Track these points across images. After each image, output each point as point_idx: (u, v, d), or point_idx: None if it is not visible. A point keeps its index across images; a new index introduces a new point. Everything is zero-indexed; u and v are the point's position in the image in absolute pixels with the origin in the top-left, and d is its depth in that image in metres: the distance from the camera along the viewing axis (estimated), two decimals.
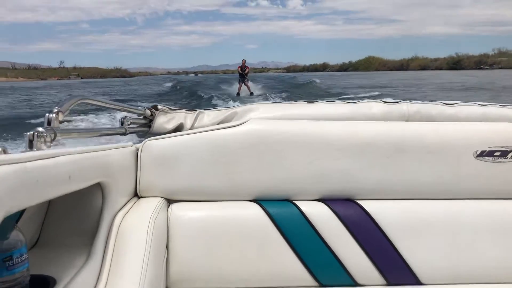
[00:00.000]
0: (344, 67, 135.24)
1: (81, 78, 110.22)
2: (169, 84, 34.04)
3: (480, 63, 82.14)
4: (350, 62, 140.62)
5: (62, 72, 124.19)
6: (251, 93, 19.55)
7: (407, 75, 56.31)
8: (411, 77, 44.39)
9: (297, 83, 30.02)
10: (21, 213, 0.96)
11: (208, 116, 1.63)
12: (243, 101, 15.02)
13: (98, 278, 0.97)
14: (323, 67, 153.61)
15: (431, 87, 25.00)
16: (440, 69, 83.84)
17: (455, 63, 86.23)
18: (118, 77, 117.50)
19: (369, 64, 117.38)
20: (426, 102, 1.56)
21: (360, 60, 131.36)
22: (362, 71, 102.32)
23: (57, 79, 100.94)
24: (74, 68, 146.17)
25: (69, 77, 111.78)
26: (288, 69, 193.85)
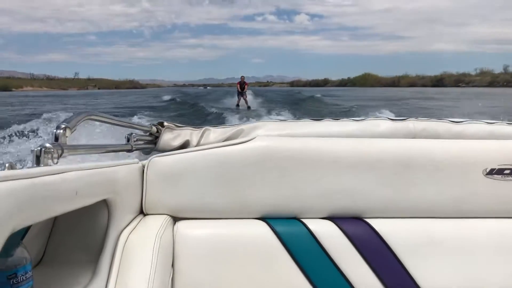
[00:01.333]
0: (343, 83, 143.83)
1: (98, 88, 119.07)
2: (172, 96, 35.29)
3: (458, 81, 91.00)
4: (349, 78, 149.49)
5: (80, 83, 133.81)
6: (248, 107, 20.00)
7: (393, 91, 63.32)
8: (395, 93, 50.77)
9: (299, 98, 31.30)
10: (26, 229, 0.95)
11: (214, 133, 1.65)
12: (241, 113, 17.08)
13: None
14: (324, 82, 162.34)
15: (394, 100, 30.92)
16: (425, 86, 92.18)
17: (438, 81, 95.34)
18: (131, 88, 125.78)
19: (365, 81, 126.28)
20: (432, 119, 1.57)
21: (357, 76, 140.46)
22: (359, 86, 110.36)
23: (77, 89, 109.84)
24: (88, 79, 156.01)
25: (87, 88, 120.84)
26: (292, 84, 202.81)
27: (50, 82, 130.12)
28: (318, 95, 32.80)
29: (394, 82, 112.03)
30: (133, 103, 29.70)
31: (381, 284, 1.27)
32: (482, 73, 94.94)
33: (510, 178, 1.33)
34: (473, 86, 79.22)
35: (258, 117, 15.40)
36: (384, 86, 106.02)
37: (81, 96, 50.77)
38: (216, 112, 17.53)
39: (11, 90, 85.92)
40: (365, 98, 36.20)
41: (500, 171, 1.32)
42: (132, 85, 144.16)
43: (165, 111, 19.00)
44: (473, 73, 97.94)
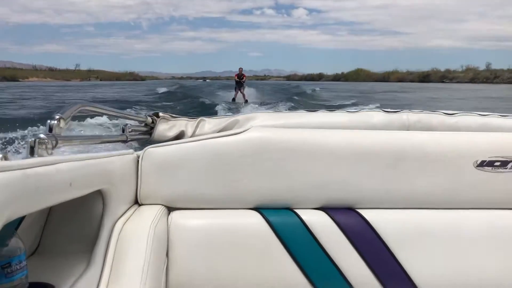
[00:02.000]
0: (337, 78, 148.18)
1: (100, 80, 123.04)
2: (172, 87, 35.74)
3: (443, 77, 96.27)
4: (342, 73, 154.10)
5: (82, 74, 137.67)
6: (246, 101, 19.86)
7: (383, 85, 68.09)
8: (381, 87, 55.65)
9: (298, 91, 32.15)
10: (20, 219, 0.97)
11: (209, 124, 1.66)
12: (239, 107, 17.42)
13: (97, 286, 0.96)
14: (319, 77, 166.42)
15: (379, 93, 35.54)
16: (413, 81, 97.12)
17: (424, 77, 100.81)
18: (131, 80, 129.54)
19: (358, 76, 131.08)
20: (426, 111, 1.59)
21: (350, 72, 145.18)
22: (351, 81, 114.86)
23: (80, 81, 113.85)
24: (89, 70, 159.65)
25: (89, 79, 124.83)
26: (288, 78, 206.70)
27: (53, 73, 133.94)
28: (309, 91, 33.99)
29: (384, 77, 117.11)
30: (143, 93, 30.76)
31: (372, 274, 1.29)
32: (467, 70, 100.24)
33: (500, 170, 1.34)
34: (456, 82, 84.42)
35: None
36: (375, 81, 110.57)
37: (89, 87, 53.80)
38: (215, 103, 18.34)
39: (18, 80, 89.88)
40: (345, 90, 40.81)
41: (490, 163, 1.34)
42: (132, 77, 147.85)
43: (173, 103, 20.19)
44: (459, 69, 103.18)
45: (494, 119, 1.55)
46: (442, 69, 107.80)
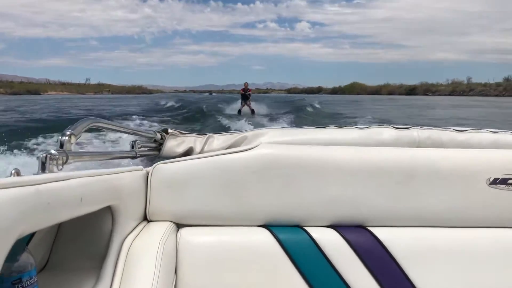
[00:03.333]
0: (335, 91, 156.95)
1: (112, 93, 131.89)
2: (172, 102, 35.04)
3: (427, 90, 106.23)
4: (339, 86, 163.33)
5: (95, 88, 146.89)
6: (252, 111, 20.54)
7: (374, 97, 75.06)
8: (372, 98, 61.14)
9: (295, 105, 32.46)
10: (31, 235, 0.97)
11: (217, 140, 1.66)
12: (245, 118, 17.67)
13: None
14: (318, 90, 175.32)
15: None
16: (401, 94, 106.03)
17: (411, 90, 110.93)
18: (139, 93, 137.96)
19: (353, 89, 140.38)
20: (436, 128, 1.57)
21: (347, 85, 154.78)
22: (347, 94, 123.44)
23: (93, 93, 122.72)
24: (99, 84, 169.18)
25: (102, 92, 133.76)
26: (289, 91, 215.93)
27: (67, 86, 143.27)
28: (309, 108, 32.71)
29: (377, 90, 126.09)
30: (171, 111, 29.65)
31: None
32: (452, 83, 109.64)
33: None
34: (438, 95, 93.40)
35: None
36: (369, 93, 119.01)
37: (108, 99, 56.87)
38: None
39: (40, 94, 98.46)
40: (341, 103, 44.19)
41: (503, 181, 1.32)
42: (141, 90, 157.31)
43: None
44: (445, 83, 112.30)
45: (506, 136, 1.53)
46: (434, 81, 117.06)
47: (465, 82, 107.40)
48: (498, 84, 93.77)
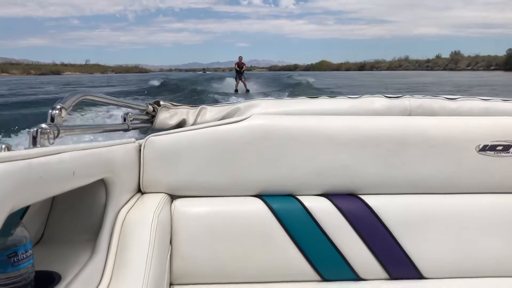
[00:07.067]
0: (308, 68, 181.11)
1: (115, 73, 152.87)
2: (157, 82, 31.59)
3: (390, 67, 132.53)
4: (311, 64, 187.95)
5: (100, 68, 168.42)
6: (247, 91, 19.57)
7: (335, 73, 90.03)
8: (330, 75, 66.45)
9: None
10: (25, 209, 0.98)
11: (210, 111, 1.65)
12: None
13: (102, 274, 0.97)
14: (294, 67, 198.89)
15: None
16: (354, 70, 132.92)
17: (362, 66, 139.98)
18: (137, 73, 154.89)
19: (321, 66, 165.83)
20: (428, 96, 1.57)
21: (317, 62, 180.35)
22: (317, 71, 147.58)
23: (101, 73, 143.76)
24: (98, 65, 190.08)
25: (107, 72, 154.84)
26: (270, 69, 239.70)
27: (81, 67, 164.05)
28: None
29: (338, 67, 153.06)
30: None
31: (374, 259, 1.30)
32: (393, 61, 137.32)
33: (503, 154, 1.34)
34: (379, 70, 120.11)
35: None
36: (332, 70, 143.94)
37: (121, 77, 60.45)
38: None
39: (60, 74, 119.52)
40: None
41: (492, 147, 1.33)
42: (138, 70, 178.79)
43: None
44: (422, 58, 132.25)
45: (497, 104, 1.54)
46: (419, 57, 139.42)
47: (448, 57, 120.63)
48: (439, 58, 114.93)
